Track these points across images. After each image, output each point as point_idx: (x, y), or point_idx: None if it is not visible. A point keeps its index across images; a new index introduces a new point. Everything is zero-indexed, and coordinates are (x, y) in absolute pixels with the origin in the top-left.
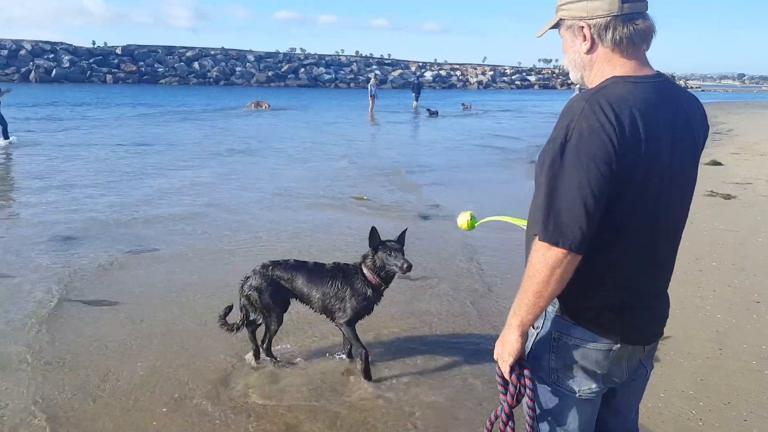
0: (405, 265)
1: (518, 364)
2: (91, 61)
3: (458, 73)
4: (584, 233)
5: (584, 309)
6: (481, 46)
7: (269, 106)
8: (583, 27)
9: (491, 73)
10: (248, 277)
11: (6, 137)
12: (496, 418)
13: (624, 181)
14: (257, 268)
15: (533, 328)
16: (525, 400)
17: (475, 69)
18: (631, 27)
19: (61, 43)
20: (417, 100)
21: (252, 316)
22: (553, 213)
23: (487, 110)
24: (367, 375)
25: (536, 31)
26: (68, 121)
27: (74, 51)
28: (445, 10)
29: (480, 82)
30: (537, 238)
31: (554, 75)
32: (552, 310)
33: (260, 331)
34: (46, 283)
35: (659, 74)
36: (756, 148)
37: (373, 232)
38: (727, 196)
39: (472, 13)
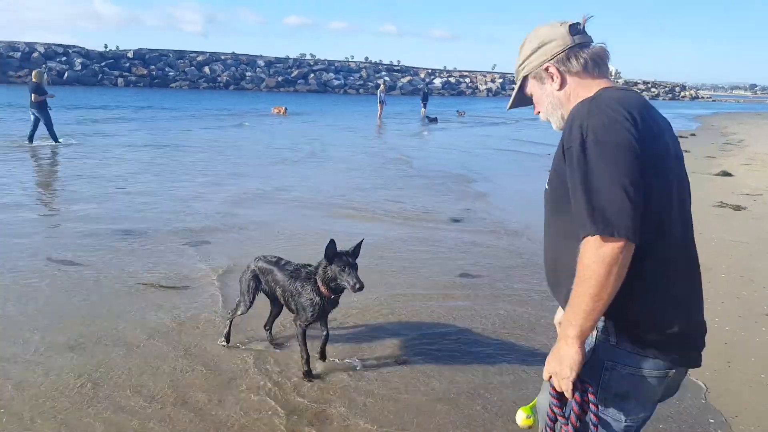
0: (357, 286)
1: (579, 380)
2: (102, 64)
3: (467, 80)
4: (633, 219)
5: (641, 325)
6: (491, 54)
7: (286, 110)
8: (548, 68)
9: (500, 80)
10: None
11: (30, 141)
12: None
13: (648, 168)
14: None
15: None
16: (590, 416)
17: (485, 76)
18: (588, 51)
19: (74, 46)
20: (425, 108)
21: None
22: (597, 209)
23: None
24: (308, 375)
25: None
26: (104, 124)
27: (86, 54)
28: (455, 17)
29: (489, 90)
30: (585, 238)
31: None
32: (603, 337)
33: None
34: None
35: (628, 88)
36: (767, 159)
37: (331, 244)
38: (737, 207)
39: (483, 20)
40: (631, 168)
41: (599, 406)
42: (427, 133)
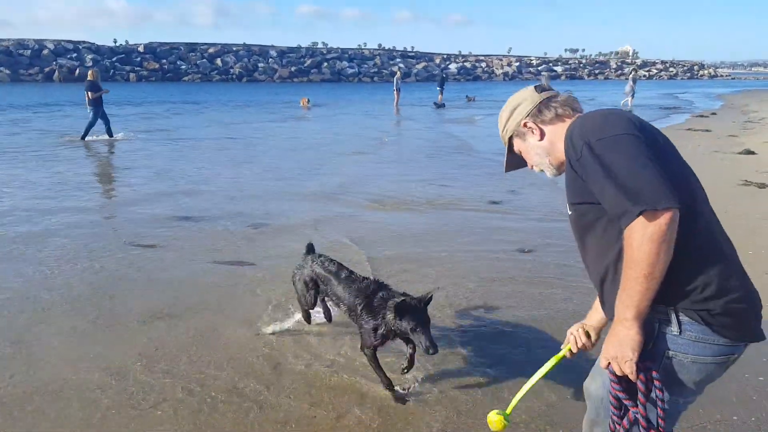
0: (431, 351)
1: (641, 361)
2: (113, 59)
3: (483, 64)
4: (667, 188)
5: (705, 298)
6: (506, 37)
7: (308, 101)
8: (526, 123)
9: (517, 64)
10: (299, 263)
11: (110, 134)
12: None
13: (654, 148)
14: (306, 257)
15: None
16: (655, 393)
17: (501, 60)
18: (558, 99)
19: (84, 42)
20: (442, 94)
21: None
22: (632, 192)
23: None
24: (398, 398)
25: (565, 20)
26: (158, 119)
27: (97, 50)
28: (470, 1)
29: (506, 74)
30: (630, 225)
31: (581, 65)
32: (665, 328)
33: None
34: None
35: None
36: None
37: (403, 303)
38: (762, 185)
39: (498, 3)
40: (640, 148)
41: (663, 393)
42: (479, 119)
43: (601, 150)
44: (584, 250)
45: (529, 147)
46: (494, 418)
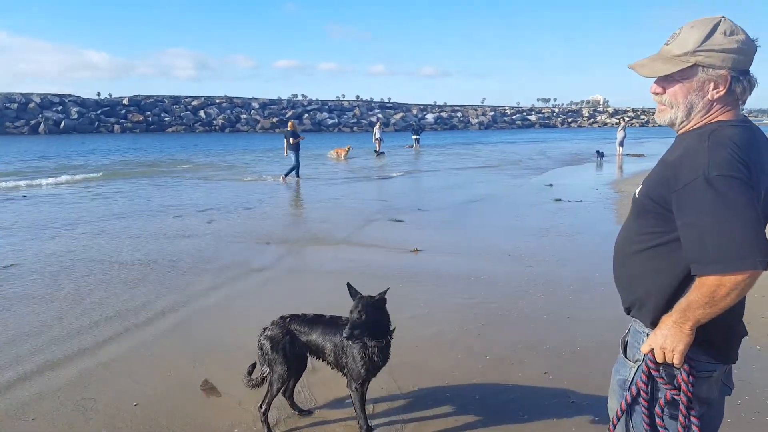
0: (344, 334)
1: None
2: (98, 112)
3: (459, 114)
4: (764, 247)
5: (704, 338)
6: (479, 88)
7: (347, 152)
8: (725, 76)
9: (492, 113)
10: (265, 328)
11: (291, 174)
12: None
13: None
14: (276, 320)
15: (633, 361)
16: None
17: (476, 110)
18: (750, 80)
19: (69, 95)
20: (418, 143)
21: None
22: (727, 242)
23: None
24: None
25: (537, 70)
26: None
27: (82, 102)
28: (442, 55)
29: (481, 123)
30: (699, 273)
31: (554, 114)
32: None
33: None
34: None
35: (746, 117)
36: None
37: (348, 287)
38: None
39: (470, 56)
40: (754, 203)
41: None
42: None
43: (719, 190)
44: (624, 229)
45: (695, 92)
46: None
